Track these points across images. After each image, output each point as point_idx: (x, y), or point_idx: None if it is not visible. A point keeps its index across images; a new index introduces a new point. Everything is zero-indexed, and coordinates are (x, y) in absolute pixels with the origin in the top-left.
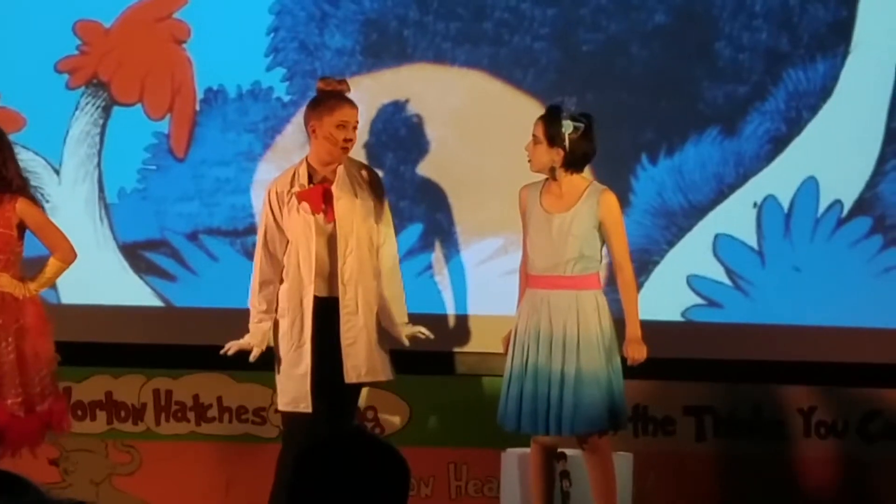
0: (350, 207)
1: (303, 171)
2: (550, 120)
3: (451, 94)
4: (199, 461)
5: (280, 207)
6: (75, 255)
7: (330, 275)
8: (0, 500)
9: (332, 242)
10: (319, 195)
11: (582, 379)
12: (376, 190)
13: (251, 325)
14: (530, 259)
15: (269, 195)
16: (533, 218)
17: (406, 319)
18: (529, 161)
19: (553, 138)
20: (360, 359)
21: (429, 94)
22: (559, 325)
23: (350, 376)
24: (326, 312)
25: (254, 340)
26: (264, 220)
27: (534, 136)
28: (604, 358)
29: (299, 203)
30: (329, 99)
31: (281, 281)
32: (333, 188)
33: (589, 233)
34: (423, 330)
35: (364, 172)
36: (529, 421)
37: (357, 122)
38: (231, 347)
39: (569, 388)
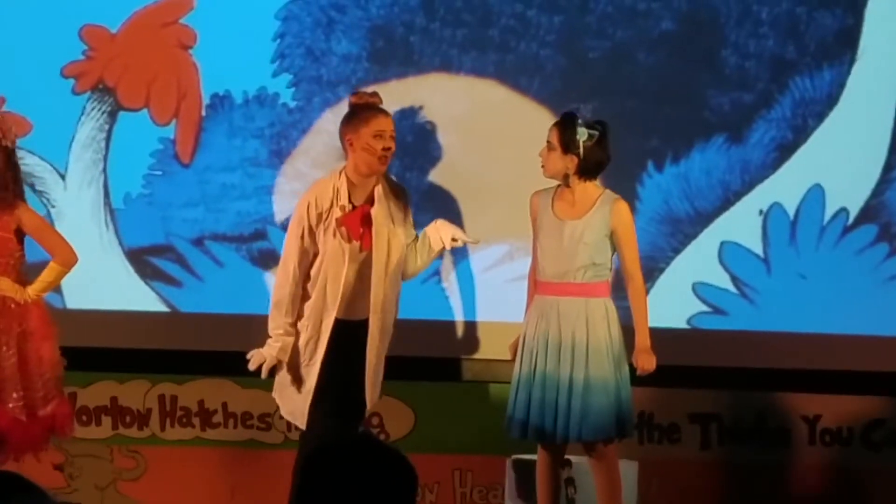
0: (387, 234)
1: (343, 189)
2: (565, 127)
3: (456, 101)
4: (204, 467)
5: (318, 223)
6: (76, 259)
7: (354, 299)
8: (4, 501)
9: (363, 268)
10: (358, 220)
11: (590, 386)
12: (407, 208)
13: (280, 338)
14: (540, 265)
15: (307, 208)
16: (544, 224)
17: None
18: (543, 167)
19: (567, 145)
20: (378, 385)
21: (435, 102)
22: (568, 332)
23: (372, 400)
24: (348, 333)
25: (282, 356)
26: (298, 231)
27: (548, 142)
28: (612, 365)
29: (338, 227)
30: (363, 111)
31: (305, 292)
32: (373, 213)
33: (601, 241)
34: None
35: (399, 190)
36: (537, 428)
37: (393, 131)
38: (265, 366)
39: (577, 395)
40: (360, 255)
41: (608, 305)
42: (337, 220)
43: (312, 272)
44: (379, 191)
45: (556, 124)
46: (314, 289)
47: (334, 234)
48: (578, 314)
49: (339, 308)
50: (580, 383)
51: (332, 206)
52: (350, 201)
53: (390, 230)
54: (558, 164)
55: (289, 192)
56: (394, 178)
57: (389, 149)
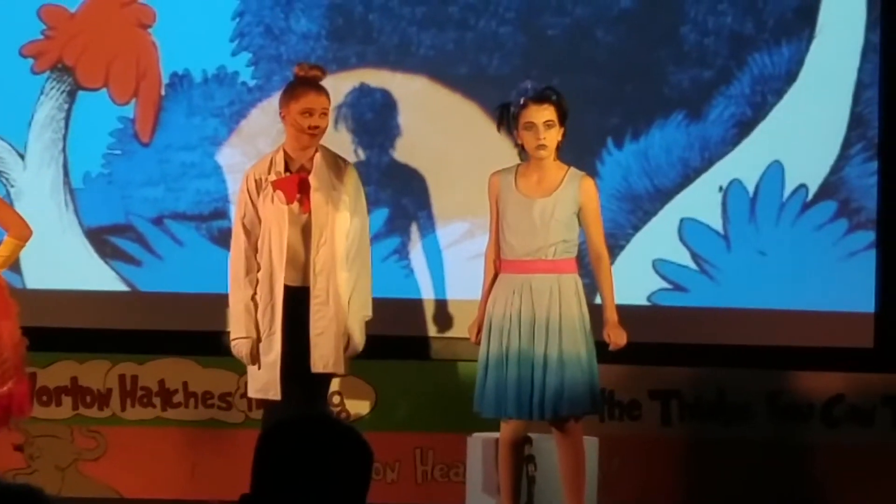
0: (326, 198)
1: (279, 159)
2: (560, 100)
3: (415, 79)
4: (164, 446)
5: (258, 192)
6: (30, 232)
7: (303, 265)
8: None
9: (305, 232)
10: (295, 185)
11: (565, 362)
12: (353, 182)
13: (243, 315)
14: (508, 244)
15: (246, 181)
16: (510, 203)
17: (358, 313)
18: (542, 147)
19: (564, 118)
20: (329, 349)
21: (394, 80)
22: (542, 309)
23: (317, 366)
24: (298, 302)
25: (253, 334)
26: (242, 206)
27: (547, 122)
28: (584, 341)
29: (274, 191)
30: (298, 86)
31: (259, 265)
32: (311, 178)
33: (570, 217)
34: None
35: (342, 164)
36: (514, 406)
37: (325, 108)
38: (246, 356)
39: (552, 371)
40: (301, 218)
41: (577, 282)
42: (272, 183)
43: (259, 243)
44: (317, 159)
45: (549, 101)
46: (262, 258)
47: (272, 200)
48: (551, 291)
49: (287, 273)
50: (555, 359)
51: (269, 173)
52: (287, 170)
53: (329, 193)
54: (556, 139)
55: None
56: (340, 154)
57: (317, 127)
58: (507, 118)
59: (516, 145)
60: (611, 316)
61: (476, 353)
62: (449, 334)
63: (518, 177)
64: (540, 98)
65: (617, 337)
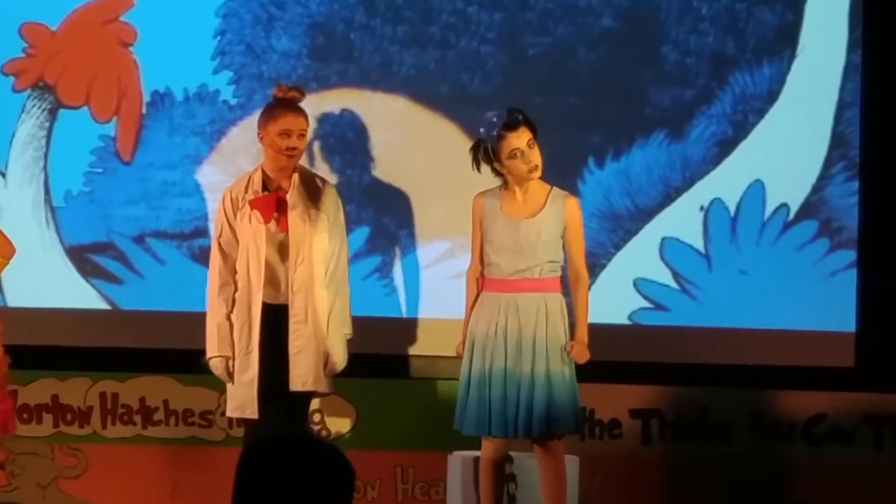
0: (303, 217)
1: (257, 178)
2: (528, 118)
3: (396, 98)
4: (145, 464)
5: (234, 213)
6: (13, 250)
7: (280, 283)
8: None
9: (283, 250)
10: (272, 203)
11: (551, 381)
12: (331, 201)
13: (216, 334)
14: (494, 264)
15: (223, 201)
16: (496, 225)
17: (339, 331)
18: (536, 168)
19: (536, 135)
20: (308, 367)
21: (375, 99)
22: (529, 328)
23: (296, 384)
24: (277, 319)
25: (228, 352)
26: (219, 225)
27: (528, 143)
28: (568, 360)
29: (251, 210)
30: (276, 107)
31: (236, 284)
32: (288, 197)
33: (556, 238)
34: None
35: (320, 183)
36: (498, 425)
37: (303, 130)
38: (221, 374)
39: (539, 389)
40: (279, 237)
41: (562, 301)
42: (249, 202)
43: (238, 264)
44: (295, 179)
45: (524, 123)
46: (240, 277)
47: (250, 220)
48: (538, 310)
49: (265, 291)
50: (542, 377)
51: (246, 192)
52: (265, 189)
53: (307, 212)
54: (540, 156)
55: None
56: (319, 174)
57: (295, 148)
58: (482, 155)
59: (499, 176)
60: (581, 336)
61: (457, 371)
62: (430, 353)
63: (502, 198)
64: (513, 124)
65: (579, 354)
